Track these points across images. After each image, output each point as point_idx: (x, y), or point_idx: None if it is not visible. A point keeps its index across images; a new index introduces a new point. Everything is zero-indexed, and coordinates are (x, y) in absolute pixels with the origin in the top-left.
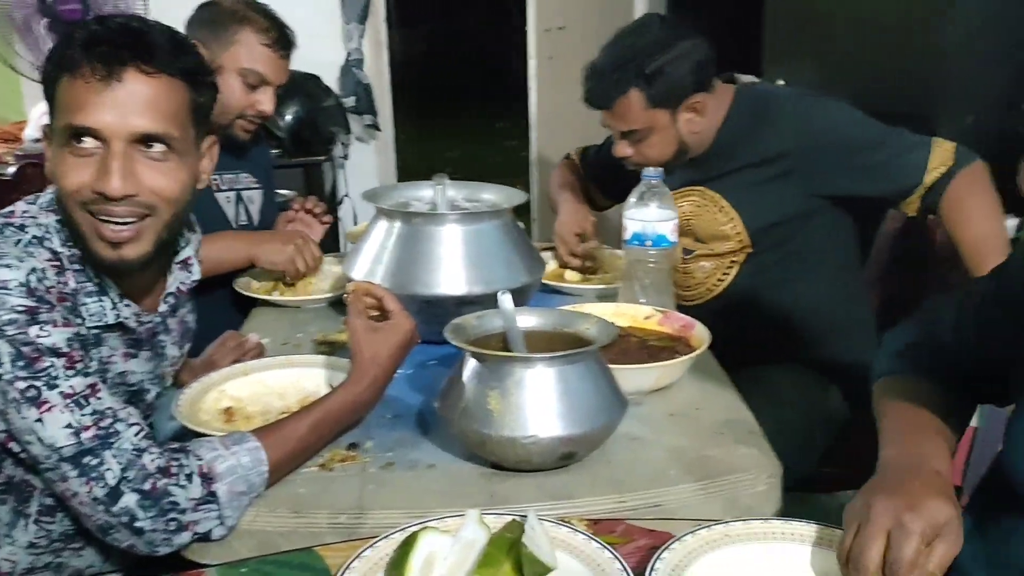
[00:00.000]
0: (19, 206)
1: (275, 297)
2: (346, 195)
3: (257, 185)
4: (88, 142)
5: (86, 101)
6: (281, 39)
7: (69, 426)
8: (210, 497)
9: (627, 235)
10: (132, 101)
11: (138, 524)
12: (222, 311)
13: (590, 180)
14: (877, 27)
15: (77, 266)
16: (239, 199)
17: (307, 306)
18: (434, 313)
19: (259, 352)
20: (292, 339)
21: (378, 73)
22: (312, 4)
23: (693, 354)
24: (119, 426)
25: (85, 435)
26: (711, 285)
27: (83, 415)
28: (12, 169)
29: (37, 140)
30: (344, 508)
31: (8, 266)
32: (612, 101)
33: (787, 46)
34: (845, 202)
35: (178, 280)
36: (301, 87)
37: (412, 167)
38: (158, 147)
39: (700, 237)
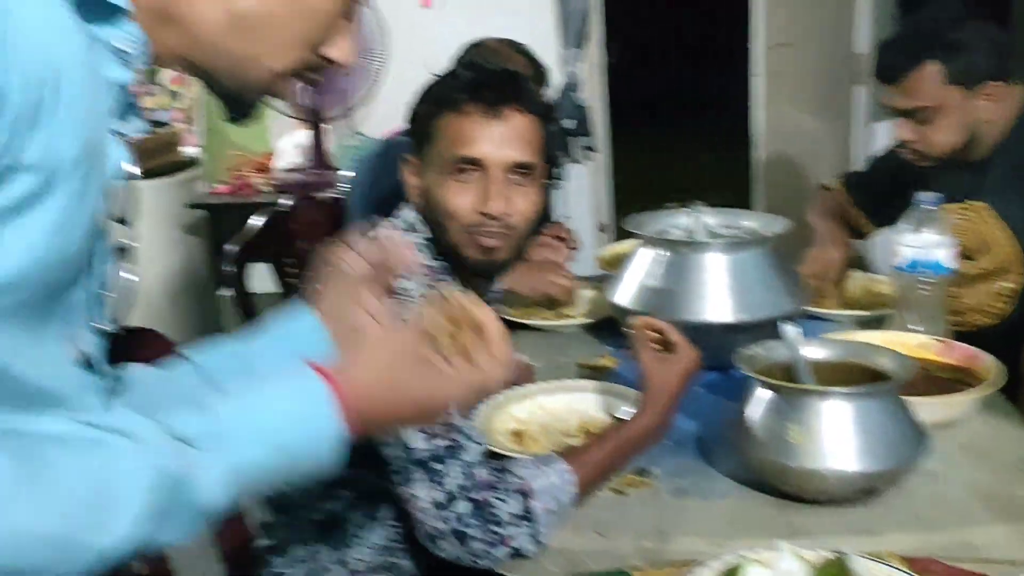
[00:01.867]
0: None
1: (533, 321)
2: (567, 217)
3: None
4: (472, 170)
5: (472, 135)
6: (538, 76)
7: (425, 432)
8: (526, 513)
9: (900, 261)
10: (510, 135)
11: (466, 531)
12: None
13: (857, 206)
14: None
15: (446, 277)
16: None
17: (563, 330)
18: (698, 340)
19: (529, 374)
20: (555, 362)
21: (595, 96)
22: (531, 31)
23: (983, 387)
24: (463, 440)
25: (437, 442)
26: (983, 310)
27: (437, 425)
28: (289, 201)
29: (289, 170)
30: (644, 532)
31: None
32: (905, 74)
33: None
34: None
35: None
36: None
37: (620, 187)
38: (525, 174)
39: (967, 251)
